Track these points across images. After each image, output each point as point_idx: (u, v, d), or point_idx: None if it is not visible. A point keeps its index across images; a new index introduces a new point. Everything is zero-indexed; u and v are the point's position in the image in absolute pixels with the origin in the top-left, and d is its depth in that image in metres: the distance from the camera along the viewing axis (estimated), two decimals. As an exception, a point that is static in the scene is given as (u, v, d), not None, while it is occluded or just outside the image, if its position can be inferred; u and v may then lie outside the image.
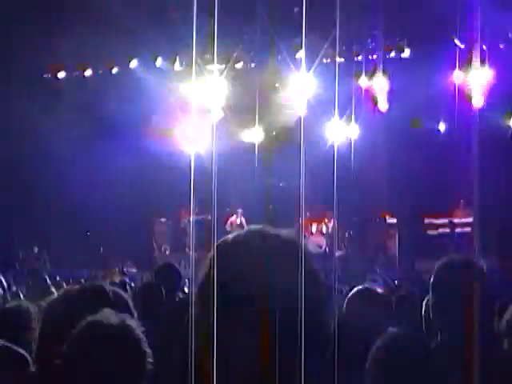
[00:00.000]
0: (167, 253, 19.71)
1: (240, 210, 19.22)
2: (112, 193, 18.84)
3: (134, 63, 18.95)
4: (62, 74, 19.33)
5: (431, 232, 18.30)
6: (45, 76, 19.38)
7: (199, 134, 18.43)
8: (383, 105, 18.24)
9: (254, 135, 18.52)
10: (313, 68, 16.74)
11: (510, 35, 16.94)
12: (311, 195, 20.58)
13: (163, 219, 20.38)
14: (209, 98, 16.93)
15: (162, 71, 18.81)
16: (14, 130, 18.46)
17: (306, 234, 19.02)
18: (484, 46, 16.35)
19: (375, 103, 18.26)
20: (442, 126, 19.30)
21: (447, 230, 18.25)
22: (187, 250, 19.61)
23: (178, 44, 17.00)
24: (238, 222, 19.06)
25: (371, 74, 17.84)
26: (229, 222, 19.08)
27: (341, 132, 17.92)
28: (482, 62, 16.28)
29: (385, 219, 18.92)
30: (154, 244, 19.94)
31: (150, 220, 20.16)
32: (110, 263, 18.63)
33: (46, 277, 10.47)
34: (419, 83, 16.62)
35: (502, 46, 16.97)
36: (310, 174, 20.60)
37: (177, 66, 18.79)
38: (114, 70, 19.19)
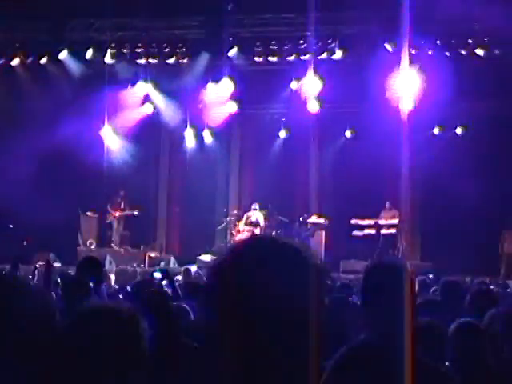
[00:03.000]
0: (92, 247, 19.40)
1: (255, 206, 19.05)
2: (38, 185, 18.53)
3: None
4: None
5: (357, 233, 18.50)
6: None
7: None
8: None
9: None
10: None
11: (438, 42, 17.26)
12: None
13: (90, 213, 20.04)
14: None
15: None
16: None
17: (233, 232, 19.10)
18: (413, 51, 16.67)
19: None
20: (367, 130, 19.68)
21: (373, 232, 18.48)
22: (113, 245, 19.42)
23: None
24: (254, 219, 18.83)
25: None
26: (244, 218, 18.88)
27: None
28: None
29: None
30: (80, 238, 19.59)
31: (76, 214, 19.81)
32: (33, 257, 18.29)
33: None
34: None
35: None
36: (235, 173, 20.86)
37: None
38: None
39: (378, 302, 2.92)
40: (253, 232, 18.64)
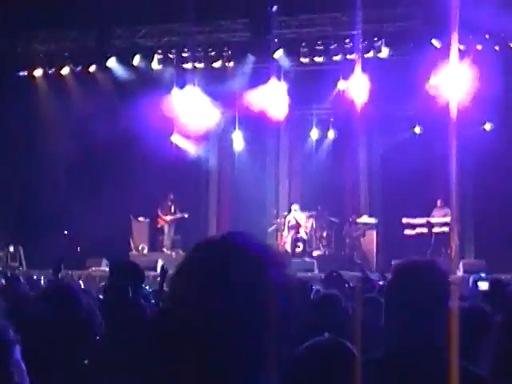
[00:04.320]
0: (145, 252, 19.57)
1: (295, 207, 19.07)
2: (90, 192, 18.80)
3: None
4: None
5: (409, 232, 18.29)
6: (20, 74, 19.23)
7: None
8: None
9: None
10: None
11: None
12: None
13: (141, 218, 20.22)
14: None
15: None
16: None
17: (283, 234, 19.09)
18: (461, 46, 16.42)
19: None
20: (417, 129, 19.51)
21: (425, 231, 18.26)
22: (164, 249, 19.56)
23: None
24: (294, 222, 18.80)
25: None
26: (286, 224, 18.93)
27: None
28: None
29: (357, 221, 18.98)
30: (132, 243, 19.77)
31: (127, 219, 20.01)
32: (87, 263, 18.56)
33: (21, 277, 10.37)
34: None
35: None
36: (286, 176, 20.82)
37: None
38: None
39: (401, 309, 2.78)
40: (297, 235, 18.61)
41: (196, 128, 19.85)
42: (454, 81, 16.59)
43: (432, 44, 16.75)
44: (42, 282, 11.76)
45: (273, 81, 18.56)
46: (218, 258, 1.42)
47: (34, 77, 19.29)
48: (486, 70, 16.16)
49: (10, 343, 1.82)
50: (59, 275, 6.92)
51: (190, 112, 19.54)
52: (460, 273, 15.89)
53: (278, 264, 1.45)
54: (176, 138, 20.24)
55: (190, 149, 20.54)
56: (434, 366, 2.63)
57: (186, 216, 19.45)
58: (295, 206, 18.98)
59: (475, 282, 9.40)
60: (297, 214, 18.82)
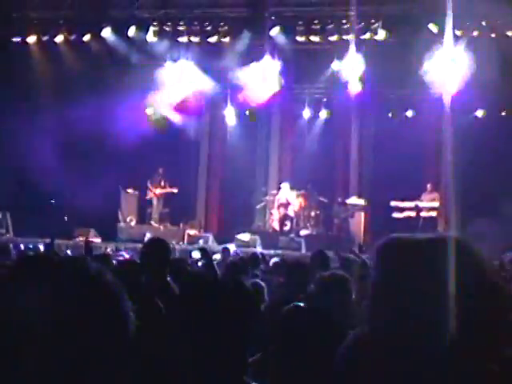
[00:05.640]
0: (132, 224, 19.57)
1: (284, 185, 19.08)
2: (80, 162, 18.77)
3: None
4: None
5: (397, 215, 18.36)
6: (14, 40, 19.06)
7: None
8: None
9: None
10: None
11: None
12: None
13: (130, 190, 20.18)
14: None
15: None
16: None
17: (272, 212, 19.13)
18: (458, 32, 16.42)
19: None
20: (409, 112, 19.56)
21: (413, 214, 18.33)
22: (152, 222, 19.57)
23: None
24: (284, 200, 18.75)
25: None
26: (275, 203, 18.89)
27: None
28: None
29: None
30: (120, 215, 19.76)
31: (117, 191, 19.97)
32: (74, 232, 18.56)
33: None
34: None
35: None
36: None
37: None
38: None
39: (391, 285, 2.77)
40: (285, 214, 18.65)
41: (188, 102, 19.79)
42: (448, 67, 16.60)
43: (429, 29, 16.72)
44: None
45: (267, 58, 18.50)
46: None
47: (27, 43, 19.13)
48: (481, 56, 16.16)
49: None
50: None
51: (182, 86, 19.47)
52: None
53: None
54: (167, 112, 20.18)
55: (182, 123, 20.49)
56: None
57: (176, 191, 19.45)
58: (285, 185, 19.01)
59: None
60: (286, 193, 18.86)
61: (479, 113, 18.97)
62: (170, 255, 5.80)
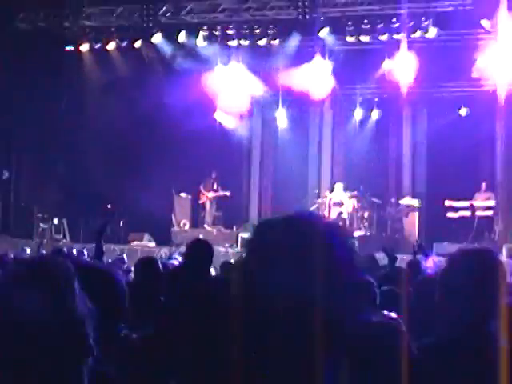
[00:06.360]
0: (186, 228, 19.70)
1: (338, 186, 19.05)
2: (134, 168, 18.98)
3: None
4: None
5: (451, 215, 18.13)
6: (68, 49, 19.37)
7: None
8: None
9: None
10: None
11: None
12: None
13: (183, 194, 20.33)
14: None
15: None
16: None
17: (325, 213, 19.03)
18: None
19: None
20: (463, 111, 19.25)
21: (468, 214, 18.06)
22: (206, 226, 19.67)
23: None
24: (337, 200, 18.72)
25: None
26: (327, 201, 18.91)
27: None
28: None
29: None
30: (173, 219, 19.91)
31: (170, 195, 20.12)
32: (129, 237, 18.79)
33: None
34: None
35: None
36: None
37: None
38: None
39: (462, 292, 2.77)
40: (339, 214, 18.54)
41: (239, 105, 19.84)
42: (502, 63, 16.32)
43: (481, 25, 16.45)
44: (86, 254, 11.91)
45: (317, 59, 18.43)
46: (290, 234, 1.42)
47: (80, 52, 19.42)
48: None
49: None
50: (101, 240, 6.88)
51: (233, 89, 19.52)
52: (503, 257, 15.71)
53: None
54: (219, 115, 20.27)
55: (234, 126, 20.57)
56: (488, 355, 2.63)
57: (228, 194, 19.55)
58: (339, 185, 18.91)
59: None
60: (340, 193, 18.76)
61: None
62: (213, 255, 5.91)
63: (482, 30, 16.63)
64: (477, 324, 2.71)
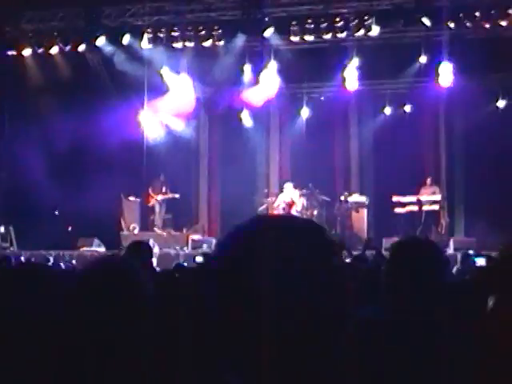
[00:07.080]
0: (135, 232, 19.57)
1: (287, 185, 18.94)
2: (80, 172, 18.79)
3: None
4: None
5: (399, 210, 18.37)
6: (9, 53, 19.07)
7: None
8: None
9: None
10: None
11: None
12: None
13: (132, 197, 20.18)
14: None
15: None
16: None
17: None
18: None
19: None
20: (407, 107, 19.55)
21: (415, 209, 18.33)
22: (155, 228, 19.57)
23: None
24: (288, 199, 18.66)
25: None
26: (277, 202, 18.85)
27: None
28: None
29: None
30: (123, 223, 19.76)
31: (118, 199, 19.96)
32: (78, 243, 18.58)
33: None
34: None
35: None
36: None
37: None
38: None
39: (400, 280, 2.86)
40: (289, 213, 18.60)
41: (185, 106, 19.80)
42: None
43: (423, 22, 16.72)
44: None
45: (264, 60, 18.53)
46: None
47: (23, 56, 19.14)
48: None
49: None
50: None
51: (179, 91, 19.47)
52: (450, 250, 15.99)
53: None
54: (165, 118, 20.19)
55: (180, 128, 20.51)
56: (433, 340, 2.69)
57: (177, 196, 19.46)
58: (288, 185, 18.92)
59: (472, 258, 9.55)
60: (290, 192, 18.77)
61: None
62: (151, 257, 5.95)
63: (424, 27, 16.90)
64: (418, 312, 2.77)
